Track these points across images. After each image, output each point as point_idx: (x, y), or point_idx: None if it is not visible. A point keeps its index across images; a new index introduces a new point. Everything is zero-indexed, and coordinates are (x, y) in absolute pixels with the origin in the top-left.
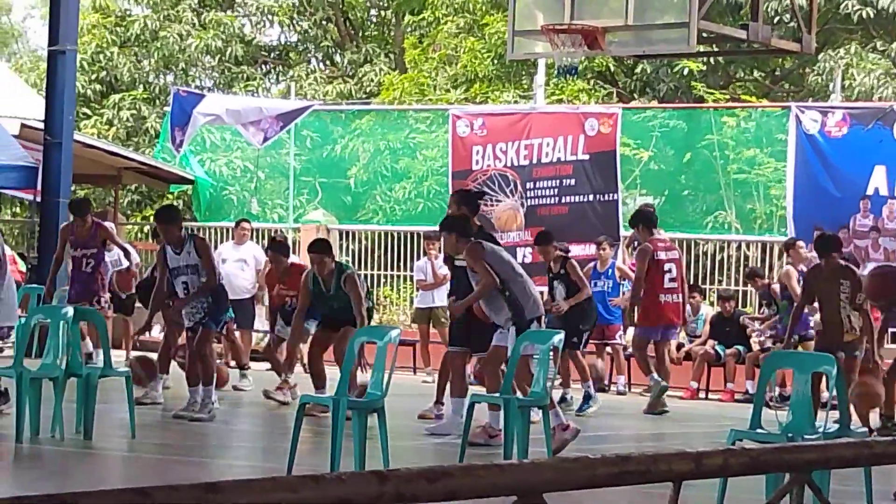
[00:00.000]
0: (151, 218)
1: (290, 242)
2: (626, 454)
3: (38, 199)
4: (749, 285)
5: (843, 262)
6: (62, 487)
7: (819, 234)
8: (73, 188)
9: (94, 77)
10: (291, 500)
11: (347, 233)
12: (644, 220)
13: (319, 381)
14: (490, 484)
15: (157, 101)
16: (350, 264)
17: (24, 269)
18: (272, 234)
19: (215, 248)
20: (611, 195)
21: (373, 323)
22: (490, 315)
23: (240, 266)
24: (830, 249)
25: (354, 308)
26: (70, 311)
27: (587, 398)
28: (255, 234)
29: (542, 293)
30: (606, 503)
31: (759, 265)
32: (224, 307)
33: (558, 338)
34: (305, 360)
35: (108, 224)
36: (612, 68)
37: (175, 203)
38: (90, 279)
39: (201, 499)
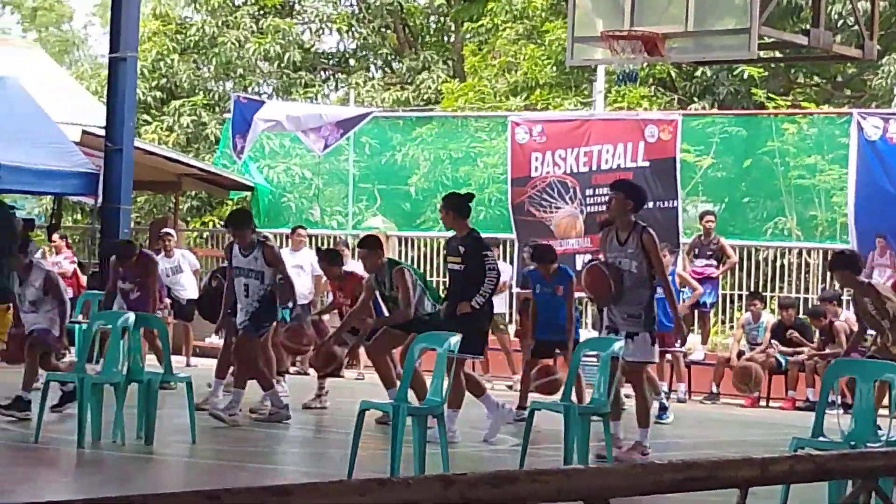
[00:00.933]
0: (211, 224)
1: (349, 249)
2: (692, 460)
3: (99, 205)
4: (812, 321)
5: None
6: (124, 492)
7: (834, 253)
8: (133, 194)
9: (154, 84)
10: None
11: (406, 239)
12: None
13: (389, 382)
14: (555, 489)
15: (217, 108)
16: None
17: (84, 279)
18: (333, 241)
19: None
20: (671, 202)
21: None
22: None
23: (296, 272)
24: (840, 267)
25: (401, 302)
26: (131, 316)
27: (663, 409)
28: (314, 240)
29: None
30: None
31: (819, 272)
32: (268, 318)
33: (618, 345)
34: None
35: (169, 230)
36: (673, 74)
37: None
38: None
39: (270, 502)
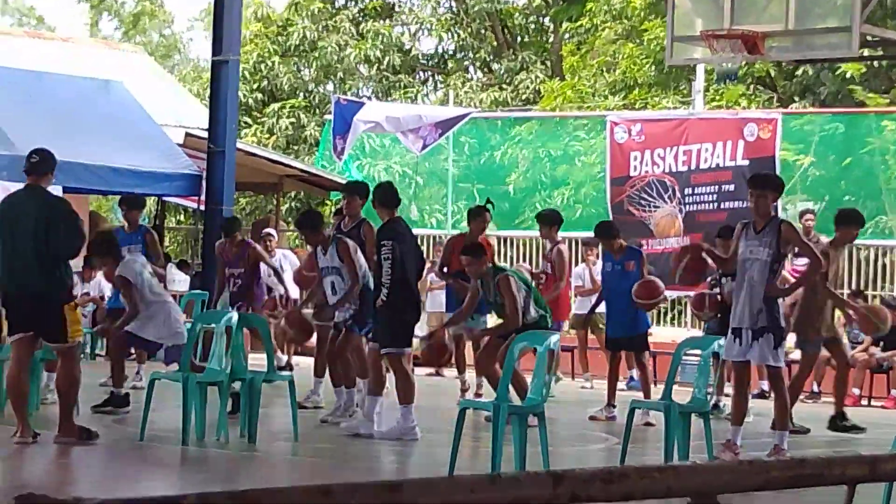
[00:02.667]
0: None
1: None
2: (801, 458)
3: (202, 207)
4: None
5: None
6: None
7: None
8: (235, 196)
9: (255, 86)
10: (469, 500)
11: (505, 239)
12: None
13: (494, 382)
14: (665, 486)
15: (317, 110)
16: (507, 267)
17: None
18: (432, 240)
19: None
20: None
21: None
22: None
23: None
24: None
25: (508, 310)
26: (234, 316)
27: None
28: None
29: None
30: None
31: None
32: (370, 311)
33: (718, 343)
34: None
35: (270, 231)
36: (772, 73)
37: (317, 209)
38: (240, 295)
39: (383, 497)
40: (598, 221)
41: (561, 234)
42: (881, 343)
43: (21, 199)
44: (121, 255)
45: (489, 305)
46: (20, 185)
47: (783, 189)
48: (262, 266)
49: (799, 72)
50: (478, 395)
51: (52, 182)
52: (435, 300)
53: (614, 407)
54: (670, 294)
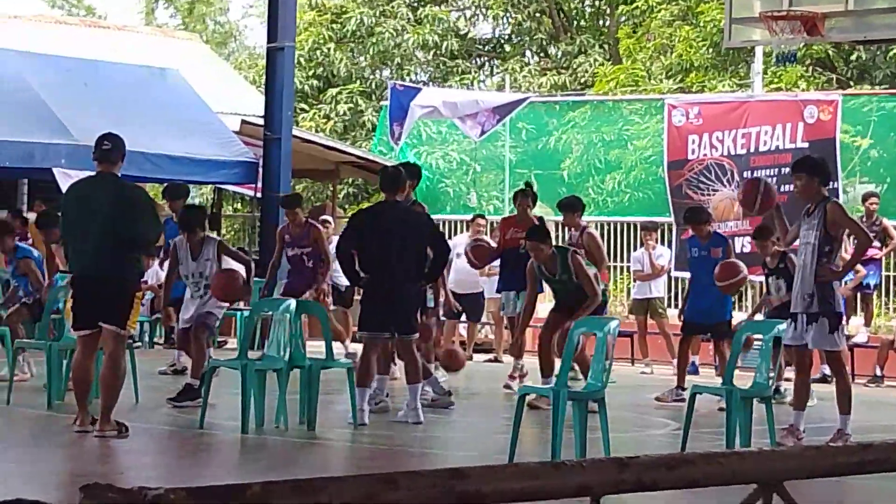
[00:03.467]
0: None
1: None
2: (867, 443)
3: (259, 194)
4: None
5: None
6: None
7: None
8: (291, 182)
9: (311, 73)
10: (534, 487)
11: (559, 224)
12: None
13: (549, 370)
14: (730, 471)
15: (374, 95)
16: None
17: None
18: (490, 226)
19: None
20: (831, 183)
21: None
22: None
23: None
24: None
25: (586, 287)
26: (292, 303)
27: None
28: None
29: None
30: (845, 493)
31: None
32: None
33: (781, 328)
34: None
35: (327, 217)
36: (831, 55)
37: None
38: (311, 274)
39: (445, 485)
40: (690, 208)
41: (613, 219)
42: None
43: (92, 185)
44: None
45: (550, 285)
46: (81, 173)
47: (823, 170)
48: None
49: (854, 55)
50: (520, 376)
51: (121, 169)
52: (493, 285)
53: (684, 390)
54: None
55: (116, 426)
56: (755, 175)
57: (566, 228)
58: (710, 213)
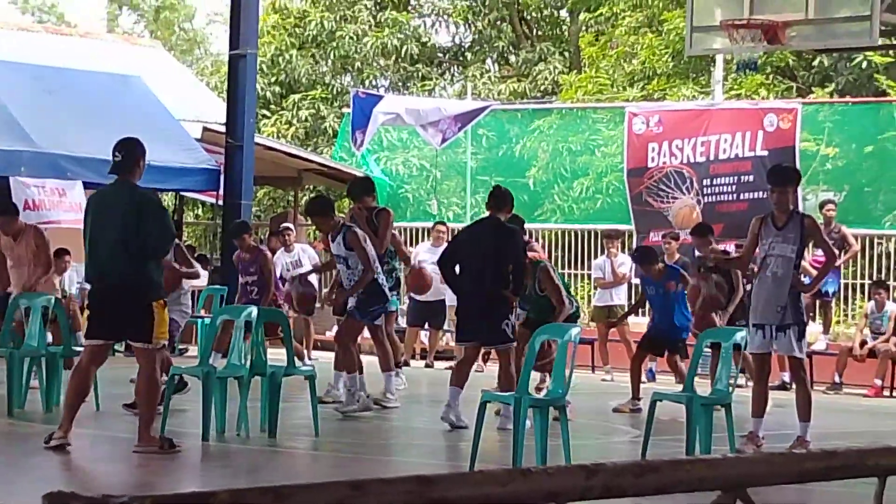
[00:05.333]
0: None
1: None
2: (833, 449)
3: (221, 201)
4: None
5: None
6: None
7: None
8: (253, 190)
9: (273, 79)
10: (501, 494)
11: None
12: None
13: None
14: (697, 478)
15: (335, 101)
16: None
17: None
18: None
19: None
20: None
21: None
22: None
23: (437, 269)
24: None
25: (553, 298)
26: (254, 310)
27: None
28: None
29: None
30: (809, 499)
31: None
32: (376, 302)
33: (741, 335)
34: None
35: (289, 225)
36: (791, 63)
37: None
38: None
39: (414, 491)
40: (638, 247)
41: (578, 227)
42: None
43: (108, 194)
44: None
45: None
46: (40, 181)
47: (799, 180)
48: (278, 266)
49: (816, 62)
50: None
51: (141, 175)
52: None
53: (639, 400)
54: None
55: (158, 442)
56: (714, 181)
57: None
58: (657, 254)
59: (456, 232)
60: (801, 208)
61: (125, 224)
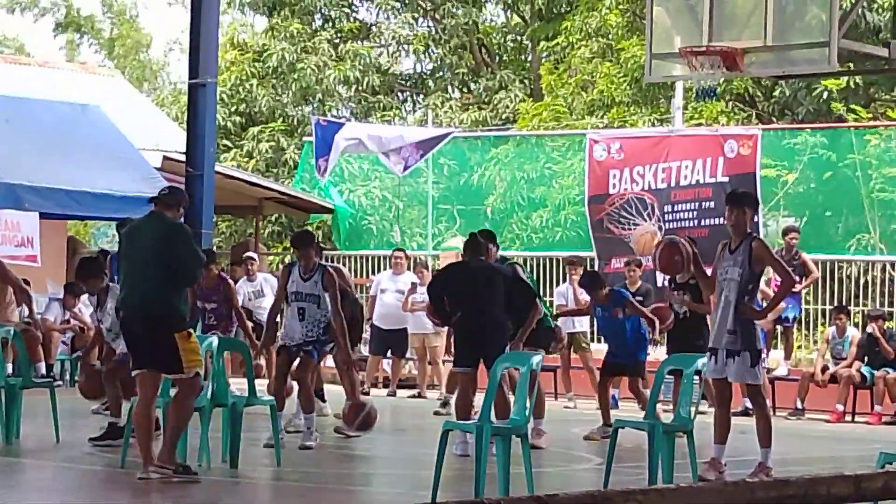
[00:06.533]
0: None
1: (428, 270)
2: (785, 478)
3: None
4: None
5: None
6: None
7: None
8: (214, 219)
9: (233, 109)
10: None
11: None
12: None
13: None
14: None
15: (296, 133)
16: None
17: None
18: (414, 262)
19: (361, 275)
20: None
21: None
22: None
23: (398, 297)
24: None
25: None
26: (214, 340)
27: None
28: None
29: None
30: None
31: None
32: (330, 341)
33: (702, 362)
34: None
35: (252, 255)
36: (751, 91)
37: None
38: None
39: None
40: (584, 272)
41: (539, 254)
42: (865, 358)
43: (142, 224)
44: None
45: None
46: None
47: (757, 204)
48: (239, 295)
49: (776, 91)
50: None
51: (176, 218)
52: (417, 321)
53: (610, 426)
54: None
55: (171, 466)
56: (675, 208)
57: None
58: (602, 279)
59: (417, 260)
60: (761, 234)
61: (154, 255)
